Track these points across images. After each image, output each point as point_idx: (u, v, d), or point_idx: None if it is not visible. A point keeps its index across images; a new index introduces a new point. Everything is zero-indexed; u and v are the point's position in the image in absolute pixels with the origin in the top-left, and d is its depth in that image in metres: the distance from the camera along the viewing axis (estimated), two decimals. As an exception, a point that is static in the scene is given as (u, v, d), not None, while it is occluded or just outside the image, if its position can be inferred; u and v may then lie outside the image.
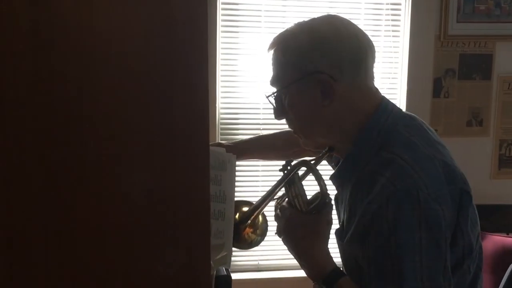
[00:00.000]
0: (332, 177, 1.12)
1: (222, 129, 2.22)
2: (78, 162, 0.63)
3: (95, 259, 0.65)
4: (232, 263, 2.30)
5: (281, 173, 1.12)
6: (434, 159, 0.96)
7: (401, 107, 2.22)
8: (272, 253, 2.33)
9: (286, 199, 1.13)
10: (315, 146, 1.11)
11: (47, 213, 0.63)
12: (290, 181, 1.11)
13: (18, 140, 0.62)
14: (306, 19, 1.06)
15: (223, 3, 2.15)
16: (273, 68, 1.07)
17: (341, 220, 1.13)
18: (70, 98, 0.62)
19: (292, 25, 1.07)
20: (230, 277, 0.99)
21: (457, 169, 1.00)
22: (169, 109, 0.63)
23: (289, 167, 1.11)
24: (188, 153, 0.64)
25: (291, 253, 1.12)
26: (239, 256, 2.32)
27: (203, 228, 0.67)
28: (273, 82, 1.08)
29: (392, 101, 1.10)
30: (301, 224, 1.09)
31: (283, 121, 1.14)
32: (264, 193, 1.17)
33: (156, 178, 0.65)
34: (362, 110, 1.04)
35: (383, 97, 1.08)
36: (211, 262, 0.86)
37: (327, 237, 1.09)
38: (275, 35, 1.10)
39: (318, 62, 1.00)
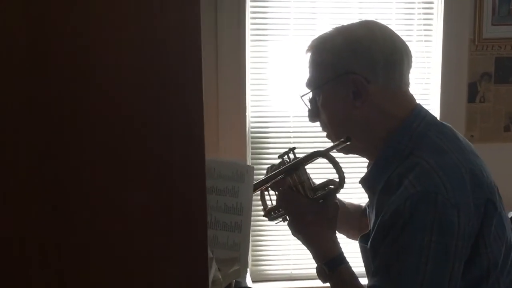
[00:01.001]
0: (362, 181, 1.12)
1: (252, 137, 2.22)
2: (72, 174, 0.63)
3: (89, 271, 0.65)
4: (264, 272, 2.30)
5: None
6: (460, 166, 0.95)
7: (435, 113, 2.19)
8: (306, 262, 2.30)
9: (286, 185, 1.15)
10: (347, 150, 1.12)
11: (41, 221, 0.63)
12: (294, 167, 1.13)
13: (13, 149, 0.62)
14: (344, 24, 1.09)
15: (252, 12, 2.16)
16: (309, 70, 1.10)
17: (370, 225, 1.13)
18: (65, 106, 0.62)
19: (330, 29, 1.09)
20: None
21: (485, 179, 0.98)
22: (164, 115, 0.63)
23: (291, 154, 1.16)
24: (183, 163, 0.64)
25: (297, 237, 1.15)
26: (272, 265, 2.31)
27: (200, 238, 0.66)
28: (308, 84, 1.10)
29: (425, 107, 1.10)
30: (308, 211, 1.11)
31: (314, 129, 1.15)
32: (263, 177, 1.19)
33: (151, 188, 0.64)
34: (395, 114, 1.04)
35: (418, 104, 1.07)
36: (220, 276, 0.85)
37: (334, 224, 1.12)
38: (305, 42, 1.11)
39: (352, 63, 1.02)
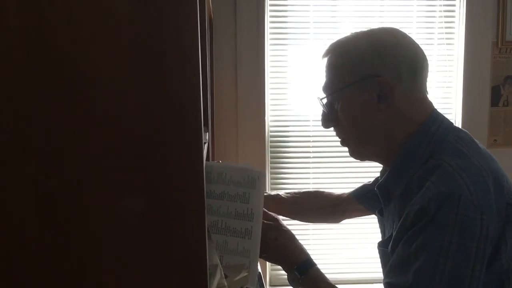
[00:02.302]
0: (379, 186, 1.11)
1: (271, 142, 2.22)
2: (71, 176, 0.63)
3: (86, 284, 0.65)
4: (282, 276, 2.28)
5: None
6: (481, 169, 0.94)
7: (457, 117, 2.16)
8: (324, 266, 2.27)
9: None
10: (363, 156, 1.12)
11: (40, 224, 0.64)
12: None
13: (12, 150, 0.62)
14: (363, 29, 1.07)
15: (271, 16, 2.16)
16: (327, 74, 1.08)
17: (385, 232, 1.13)
18: (60, 109, 0.62)
19: (348, 34, 1.08)
20: None
21: (505, 183, 0.96)
22: (162, 116, 0.63)
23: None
24: (182, 168, 0.64)
25: (266, 258, 1.22)
26: (291, 270, 2.29)
27: (200, 246, 0.66)
28: (326, 88, 1.08)
29: (447, 110, 1.09)
30: (267, 231, 1.17)
31: (333, 133, 1.14)
32: None
33: (148, 198, 0.64)
34: (414, 118, 1.04)
35: (435, 109, 1.07)
36: (225, 283, 0.85)
37: (290, 232, 1.23)
38: (324, 46, 1.10)
39: (378, 66, 1.01)
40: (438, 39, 2.21)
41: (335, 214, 1.45)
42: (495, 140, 2.23)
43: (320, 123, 1.13)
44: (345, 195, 1.43)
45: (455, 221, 0.89)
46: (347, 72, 1.04)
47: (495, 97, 2.24)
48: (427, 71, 1.07)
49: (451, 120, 1.09)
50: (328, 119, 1.10)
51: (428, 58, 1.08)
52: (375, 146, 1.07)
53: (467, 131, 1.08)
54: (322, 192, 1.49)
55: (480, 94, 2.21)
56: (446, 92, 2.22)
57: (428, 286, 0.89)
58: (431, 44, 2.20)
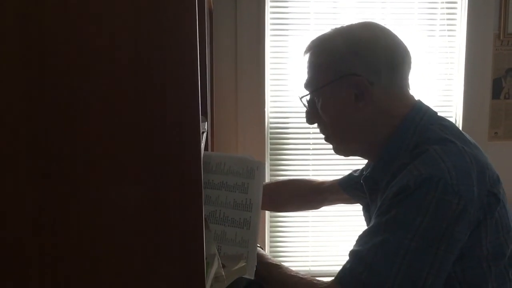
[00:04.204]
0: (365, 179, 1.12)
1: (271, 133, 2.21)
2: (69, 169, 0.63)
3: (84, 268, 0.66)
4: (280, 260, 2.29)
5: None
6: (466, 155, 0.95)
7: (458, 110, 2.15)
8: (324, 258, 2.29)
9: None
10: (347, 152, 1.13)
11: (38, 218, 0.64)
12: None
13: (8, 145, 0.62)
14: (343, 25, 1.07)
15: (272, 7, 2.14)
16: (308, 71, 1.08)
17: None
18: (61, 103, 0.62)
19: (329, 30, 1.08)
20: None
21: (488, 171, 0.97)
22: (161, 113, 0.63)
23: None
24: (179, 159, 0.64)
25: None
26: (290, 262, 2.29)
27: (196, 235, 0.66)
28: (307, 85, 1.09)
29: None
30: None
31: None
32: None
33: (146, 188, 0.64)
34: (396, 112, 1.04)
35: (418, 101, 1.08)
36: (223, 273, 0.85)
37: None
38: (306, 42, 1.11)
39: (354, 65, 1.01)
40: (440, 30, 2.20)
41: (312, 202, 1.46)
42: (496, 133, 2.22)
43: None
44: (328, 184, 1.43)
45: (431, 202, 0.90)
46: (324, 70, 1.04)
47: (497, 90, 2.23)
48: (409, 64, 1.06)
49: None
50: (311, 117, 1.11)
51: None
52: (357, 142, 1.08)
53: (451, 120, 1.09)
54: (302, 180, 1.50)
55: (481, 86, 2.20)
56: (447, 84, 2.21)
57: (391, 259, 0.90)
58: (433, 36, 2.19)
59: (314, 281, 1.04)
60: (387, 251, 0.91)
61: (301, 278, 1.06)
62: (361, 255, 0.94)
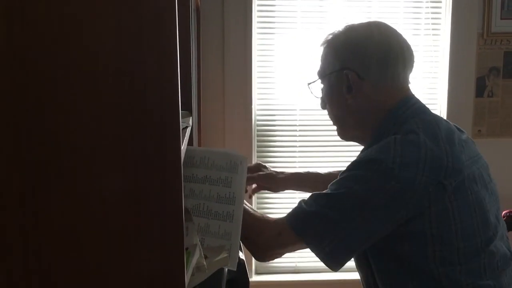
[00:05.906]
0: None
1: (258, 130, 2.22)
2: (51, 163, 0.65)
3: (67, 261, 0.67)
4: (269, 264, 2.30)
5: None
6: (422, 147, 1.02)
7: (442, 107, 2.18)
8: (311, 255, 2.29)
9: None
10: (346, 136, 1.26)
11: (21, 213, 0.65)
12: None
13: None
14: (355, 23, 1.20)
15: (259, 5, 2.15)
16: (320, 62, 1.23)
17: None
18: (43, 98, 0.64)
19: (342, 26, 1.21)
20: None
21: (449, 164, 1.02)
22: (141, 107, 0.65)
23: None
24: (159, 154, 0.66)
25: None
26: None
27: (176, 228, 0.68)
28: (317, 74, 1.24)
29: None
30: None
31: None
32: None
33: (127, 179, 0.66)
34: (385, 105, 1.14)
35: (409, 95, 1.17)
36: (204, 262, 0.87)
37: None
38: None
39: (349, 60, 1.14)
40: (425, 29, 2.22)
41: None
42: (479, 130, 2.26)
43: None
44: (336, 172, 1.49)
45: (366, 178, 1.02)
46: (327, 63, 1.19)
47: (480, 88, 2.26)
48: (404, 61, 1.15)
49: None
50: (321, 101, 1.26)
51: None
52: (352, 128, 1.21)
53: (439, 115, 1.17)
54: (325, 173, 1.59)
55: (465, 85, 2.24)
56: (431, 82, 2.24)
57: (328, 227, 1.07)
58: (418, 35, 2.22)
59: (266, 217, 1.19)
60: (327, 219, 1.06)
61: (256, 217, 1.18)
62: (309, 212, 1.09)
